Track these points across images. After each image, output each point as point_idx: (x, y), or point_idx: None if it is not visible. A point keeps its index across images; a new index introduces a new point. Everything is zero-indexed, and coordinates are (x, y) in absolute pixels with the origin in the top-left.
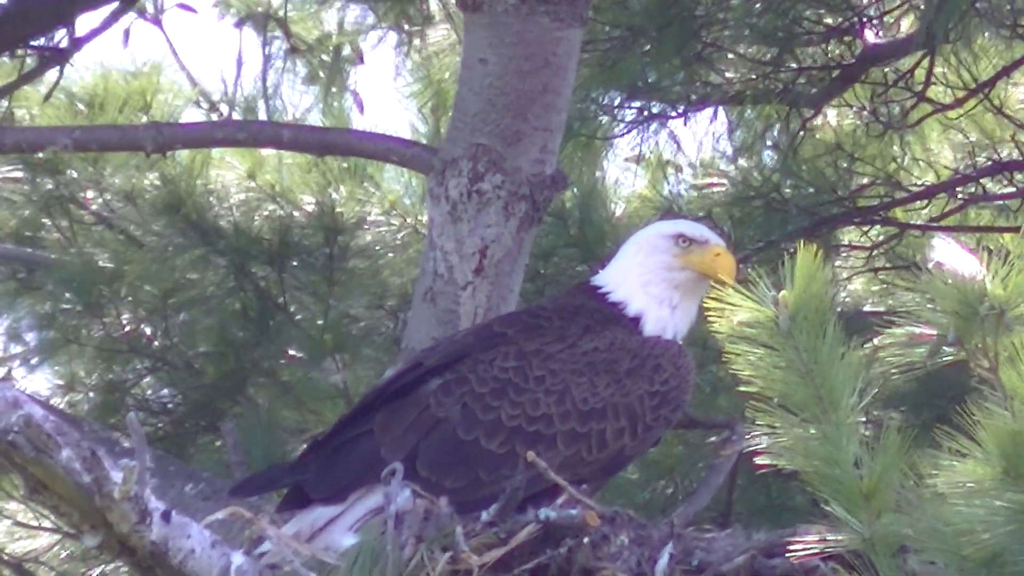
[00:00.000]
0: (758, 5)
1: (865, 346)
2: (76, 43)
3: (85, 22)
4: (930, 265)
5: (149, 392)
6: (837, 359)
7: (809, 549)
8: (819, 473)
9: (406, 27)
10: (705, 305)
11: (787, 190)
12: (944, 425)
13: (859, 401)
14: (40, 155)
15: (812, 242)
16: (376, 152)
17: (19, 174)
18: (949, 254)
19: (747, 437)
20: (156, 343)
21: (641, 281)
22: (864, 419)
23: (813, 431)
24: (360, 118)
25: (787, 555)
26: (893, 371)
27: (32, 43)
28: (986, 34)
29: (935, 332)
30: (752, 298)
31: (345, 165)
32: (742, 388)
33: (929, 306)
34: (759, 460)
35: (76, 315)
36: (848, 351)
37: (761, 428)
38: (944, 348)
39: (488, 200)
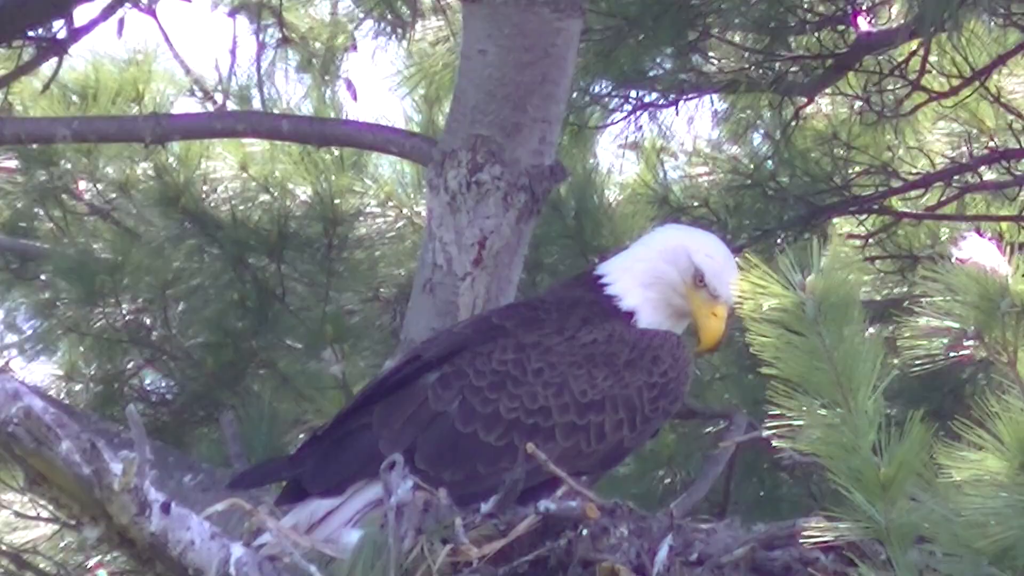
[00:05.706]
0: None
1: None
2: (74, 34)
3: (82, 13)
4: (953, 258)
5: (148, 383)
6: (861, 347)
7: (822, 536)
8: (837, 459)
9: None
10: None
11: (783, 179)
12: (942, 420)
13: (880, 389)
14: (34, 146)
15: (808, 231)
16: (375, 143)
17: (13, 164)
18: (975, 249)
19: (764, 421)
20: (155, 334)
21: (642, 281)
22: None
23: (833, 417)
24: (354, 106)
25: (800, 542)
26: (910, 361)
27: (30, 34)
28: (980, 22)
29: (955, 325)
30: (780, 282)
31: (337, 152)
32: (763, 370)
33: (950, 298)
34: (777, 443)
35: (75, 305)
36: (872, 340)
37: (780, 411)
38: (964, 341)
39: (487, 191)
